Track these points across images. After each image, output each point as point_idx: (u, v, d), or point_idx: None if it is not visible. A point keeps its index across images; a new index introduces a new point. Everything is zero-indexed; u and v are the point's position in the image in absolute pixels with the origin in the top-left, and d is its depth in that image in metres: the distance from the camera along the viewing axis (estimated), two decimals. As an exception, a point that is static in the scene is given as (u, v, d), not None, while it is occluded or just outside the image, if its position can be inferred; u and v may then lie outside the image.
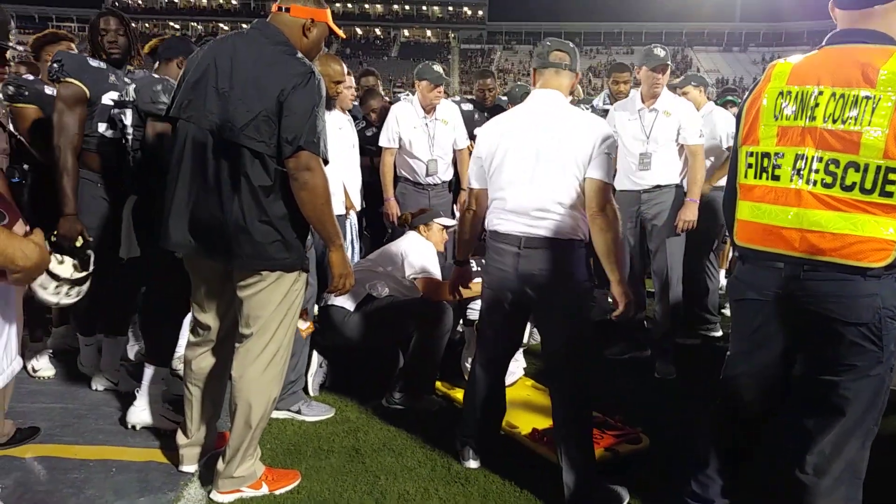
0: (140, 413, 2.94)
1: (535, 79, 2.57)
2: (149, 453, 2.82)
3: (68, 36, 3.58)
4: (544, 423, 2.99)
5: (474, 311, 3.73)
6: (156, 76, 2.98)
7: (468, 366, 3.58)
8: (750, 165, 1.88)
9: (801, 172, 1.74)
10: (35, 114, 3.39)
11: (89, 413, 3.18)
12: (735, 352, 2.02)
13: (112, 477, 2.63)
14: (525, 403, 3.34)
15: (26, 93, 3.38)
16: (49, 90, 3.41)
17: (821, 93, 1.72)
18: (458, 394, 3.42)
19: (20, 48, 3.22)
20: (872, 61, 1.67)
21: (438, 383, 3.51)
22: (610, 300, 5.12)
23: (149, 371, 2.95)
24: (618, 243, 2.41)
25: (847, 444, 1.77)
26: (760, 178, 1.85)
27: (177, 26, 69.38)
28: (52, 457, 2.75)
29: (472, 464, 2.77)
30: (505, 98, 5.37)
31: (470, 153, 4.61)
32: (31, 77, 3.47)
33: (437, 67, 4.44)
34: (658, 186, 3.85)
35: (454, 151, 4.63)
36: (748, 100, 1.92)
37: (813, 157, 1.72)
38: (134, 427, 2.96)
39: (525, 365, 3.73)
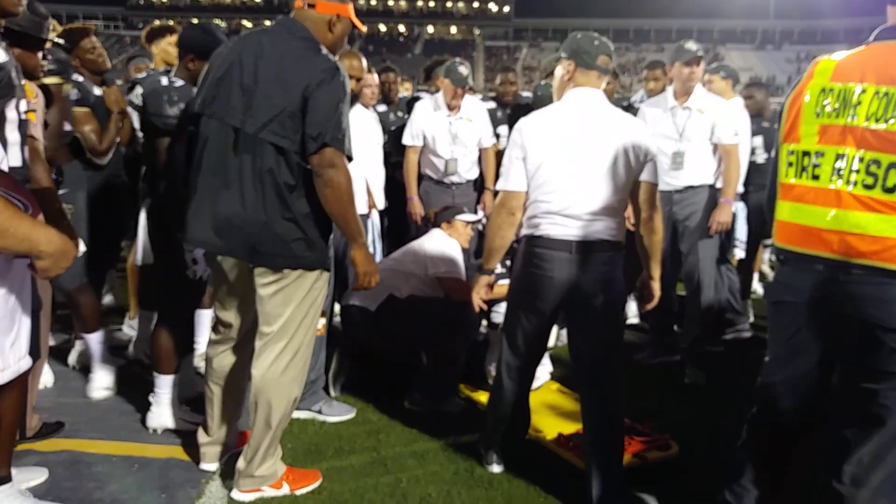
0: (158, 417, 2.93)
1: (574, 75, 2.46)
2: (171, 450, 2.82)
3: (87, 29, 3.56)
4: (570, 427, 2.94)
5: (499, 313, 3.67)
6: (164, 81, 2.84)
7: (491, 369, 3.53)
8: (790, 164, 1.83)
9: (842, 172, 1.69)
10: (86, 117, 3.34)
11: (112, 409, 3.20)
12: (772, 358, 1.95)
13: (135, 473, 2.64)
14: (550, 408, 3.29)
15: (80, 95, 3.33)
16: (97, 91, 3.42)
17: (864, 91, 1.67)
18: (482, 396, 3.37)
19: (61, 41, 3.25)
20: None
21: (462, 385, 3.46)
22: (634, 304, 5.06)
23: (160, 379, 2.92)
24: (661, 243, 2.51)
25: (888, 455, 1.70)
26: (800, 177, 1.80)
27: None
28: (77, 451, 2.77)
29: (496, 468, 2.72)
30: (528, 95, 5.25)
31: (496, 151, 4.61)
32: (80, 78, 3.41)
33: (463, 69, 4.31)
34: (691, 187, 3.75)
35: (479, 150, 4.57)
36: (790, 97, 1.86)
37: (854, 157, 1.67)
38: (155, 430, 2.95)
39: (552, 369, 3.67)
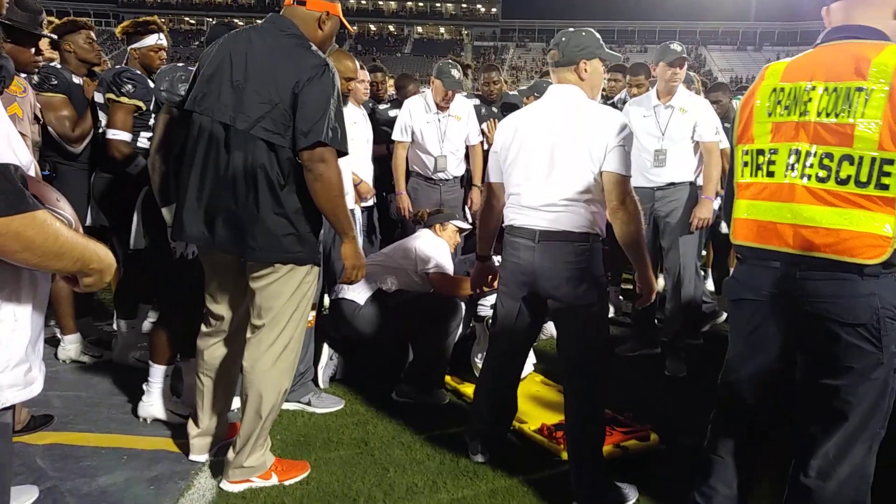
0: (148, 408, 2.95)
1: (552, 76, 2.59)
2: (160, 442, 2.84)
3: (88, 25, 3.58)
4: (553, 418, 2.99)
5: (485, 307, 3.72)
6: (179, 64, 2.93)
7: (478, 361, 3.59)
8: (745, 164, 1.87)
9: (795, 167, 1.73)
10: (62, 103, 3.39)
11: (102, 402, 3.21)
12: (733, 354, 1.98)
13: (124, 465, 2.66)
14: (534, 399, 3.34)
15: (54, 81, 3.38)
16: (76, 79, 3.43)
17: (813, 88, 1.72)
18: (468, 389, 3.42)
19: (54, 36, 3.26)
20: (865, 54, 1.66)
21: (448, 378, 3.51)
22: (621, 297, 5.13)
23: (154, 369, 2.96)
24: (641, 234, 2.40)
25: (852, 449, 1.74)
26: (756, 175, 1.83)
27: (192, 21, 69.78)
28: (66, 444, 2.78)
29: (481, 458, 2.77)
30: (515, 93, 5.33)
31: (482, 149, 4.66)
32: (58, 65, 3.47)
33: (456, 73, 4.35)
34: (672, 184, 3.82)
35: (466, 147, 4.62)
36: (742, 100, 1.92)
37: (807, 152, 1.71)
38: (145, 420, 2.98)
39: (535, 360, 3.72)
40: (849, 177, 1.63)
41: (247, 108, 2.26)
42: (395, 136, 4.47)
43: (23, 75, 2.94)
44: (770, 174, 1.79)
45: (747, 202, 1.86)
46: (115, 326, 4.17)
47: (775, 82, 1.82)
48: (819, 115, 1.69)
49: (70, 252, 1.23)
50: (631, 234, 2.38)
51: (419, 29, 77.10)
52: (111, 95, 3.23)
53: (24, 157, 1.25)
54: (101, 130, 3.28)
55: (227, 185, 2.31)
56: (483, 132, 4.73)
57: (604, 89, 5.58)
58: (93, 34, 3.56)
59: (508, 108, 4.78)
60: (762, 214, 1.81)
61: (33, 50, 2.89)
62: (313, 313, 3.15)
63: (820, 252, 1.68)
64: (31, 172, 1.30)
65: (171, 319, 2.93)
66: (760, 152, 1.82)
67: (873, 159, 1.61)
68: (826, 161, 1.67)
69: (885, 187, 1.61)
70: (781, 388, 1.89)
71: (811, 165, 1.70)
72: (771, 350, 1.85)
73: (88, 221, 3.51)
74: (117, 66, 3.41)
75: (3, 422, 1.31)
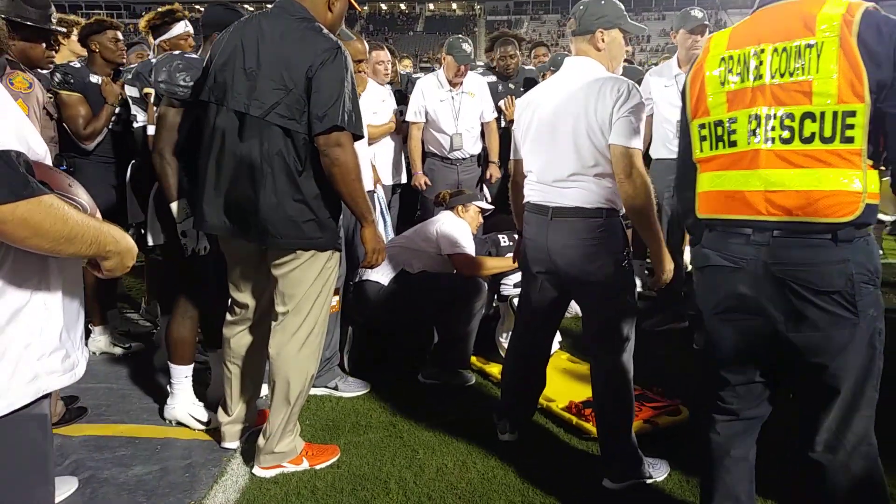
0: (171, 410, 2.93)
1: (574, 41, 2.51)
2: (192, 431, 2.88)
3: (115, 24, 3.58)
4: (581, 396, 2.97)
5: (508, 286, 3.70)
6: (175, 52, 2.83)
7: (502, 341, 3.57)
8: (704, 138, 1.81)
9: (757, 132, 1.68)
10: (80, 102, 3.41)
11: (132, 393, 3.27)
12: (707, 324, 1.89)
13: (158, 454, 2.70)
14: (561, 377, 3.33)
15: (72, 80, 3.39)
16: (94, 78, 3.44)
17: (762, 50, 1.68)
18: (493, 369, 3.42)
19: (63, 30, 3.25)
20: (808, 10, 1.63)
21: (473, 358, 3.51)
22: (646, 271, 5.07)
23: (174, 369, 2.91)
24: (651, 210, 2.31)
25: (853, 417, 1.70)
26: (717, 147, 1.78)
27: (201, 9, 69.84)
28: (100, 435, 2.83)
29: (510, 437, 2.77)
30: (531, 67, 5.25)
31: (498, 126, 4.60)
32: (77, 64, 3.47)
33: (467, 46, 4.33)
34: None
35: (482, 124, 4.57)
36: (689, 76, 1.85)
37: (767, 115, 1.67)
38: (170, 422, 2.96)
39: (561, 339, 3.70)
40: (813, 134, 1.60)
41: (261, 95, 2.25)
42: (409, 116, 4.43)
43: (36, 71, 2.94)
44: (732, 144, 1.74)
45: (711, 174, 1.80)
46: (143, 320, 4.24)
47: (722, 51, 1.77)
48: (773, 76, 1.66)
49: (82, 235, 1.23)
50: (638, 209, 2.30)
51: (430, 6, 76.21)
52: (151, 90, 3.19)
53: (38, 148, 1.26)
54: (140, 124, 3.22)
55: (244, 173, 2.30)
56: (500, 109, 4.67)
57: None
58: (119, 34, 3.55)
59: (529, 83, 4.71)
60: (728, 184, 1.76)
61: (44, 45, 2.89)
62: (337, 298, 3.15)
63: (792, 216, 1.64)
64: (49, 161, 1.30)
65: (186, 318, 2.88)
66: (718, 123, 1.77)
67: (835, 113, 1.57)
68: (787, 122, 1.63)
69: (850, 140, 1.57)
70: (767, 358, 1.82)
71: (773, 128, 1.66)
72: (747, 315, 1.77)
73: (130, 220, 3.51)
74: (152, 59, 3.37)
75: (41, 412, 1.32)
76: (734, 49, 1.75)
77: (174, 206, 2.68)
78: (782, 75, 1.64)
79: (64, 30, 3.27)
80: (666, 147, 3.79)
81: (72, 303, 1.36)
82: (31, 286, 1.26)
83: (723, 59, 1.76)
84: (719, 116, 1.76)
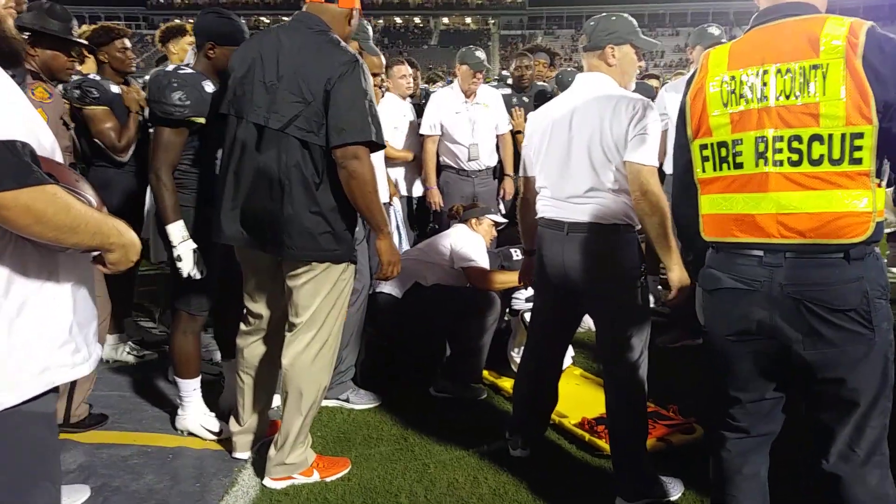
0: (183, 421, 2.93)
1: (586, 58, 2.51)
2: (203, 441, 2.88)
3: (121, 32, 3.60)
4: (594, 412, 2.95)
5: (520, 300, 3.69)
6: (169, 68, 2.75)
7: (514, 355, 3.56)
8: (706, 158, 1.79)
9: (765, 155, 1.67)
10: (107, 115, 3.37)
11: (144, 401, 3.28)
12: (714, 349, 1.86)
13: (169, 463, 2.71)
14: (574, 392, 3.30)
15: (96, 94, 3.35)
16: (115, 88, 3.45)
17: (765, 72, 1.67)
18: (505, 383, 3.40)
19: (85, 42, 3.29)
20: (811, 30, 1.63)
21: (485, 372, 3.49)
22: (660, 287, 5.03)
23: (181, 383, 2.90)
24: (667, 227, 2.29)
25: (867, 427, 1.71)
26: (721, 169, 1.76)
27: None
28: (113, 444, 2.84)
29: (521, 453, 2.75)
30: (544, 84, 5.27)
31: (513, 137, 4.61)
32: (97, 77, 3.45)
33: (480, 53, 4.41)
34: None
35: (497, 136, 4.57)
36: (689, 94, 1.83)
37: (774, 137, 1.66)
38: (181, 432, 2.95)
39: (574, 354, 3.68)
40: (821, 156, 1.59)
41: (280, 108, 2.27)
42: (424, 130, 4.45)
43: (54, 83, 2.98)
44: (738, 166, 1.72)
45: (715, 197, 1.79)
46: (157, 329, 4.25)
47: (723, 70, 1.75)
48: (778, 98, 1.64)
49: (85, 225, 1.24)
50: (655, 227, 2.28)
51: (445, 20, 76.74)
52: None
53: (46, 143, 1.28)
54: None
55: (262, 185, 2.32)
56: (511, 117, 4.69)
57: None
58: (127, 42, 3.57)
59: (540, 97, 4.72)
60: (737, 207, 1.74)
61: (66, 57, 2.93)
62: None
63: (805, 238, 1.64)
64: (58, 158, 1.32)
65: (189, 333, 2.85)
66: (722, 145, 1.75)
67: (843, 135, 1.57)
68: (795, 144, 1.63)
69: (859, 161, 1.57)
70: (778, 375, 1.80)
71: (781, 151, 1.65)
72: (761, 336, 1.74)
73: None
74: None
75: (48, 410, 1.34)
76: (736, 69, 1.73)
77: (170, 228, 2.63)
78: (787, 97, 1.63)
79: (85, 42, 3.31)
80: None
81: (83, 298, 1.38)
82: (40, 280, 1.28)
83: (724, 79, 1.74)
84: (723, 137, 1.75)
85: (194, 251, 2.66)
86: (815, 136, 1.60)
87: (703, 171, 1.81)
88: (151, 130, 3.13)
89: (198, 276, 2.68)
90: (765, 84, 1.67)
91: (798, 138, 1.62)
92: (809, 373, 1.71)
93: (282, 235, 2.32)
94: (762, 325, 1.73)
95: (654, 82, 5.75)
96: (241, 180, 2.36)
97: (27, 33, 2.83)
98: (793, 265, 1.66)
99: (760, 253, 1.70)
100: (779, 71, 1.65)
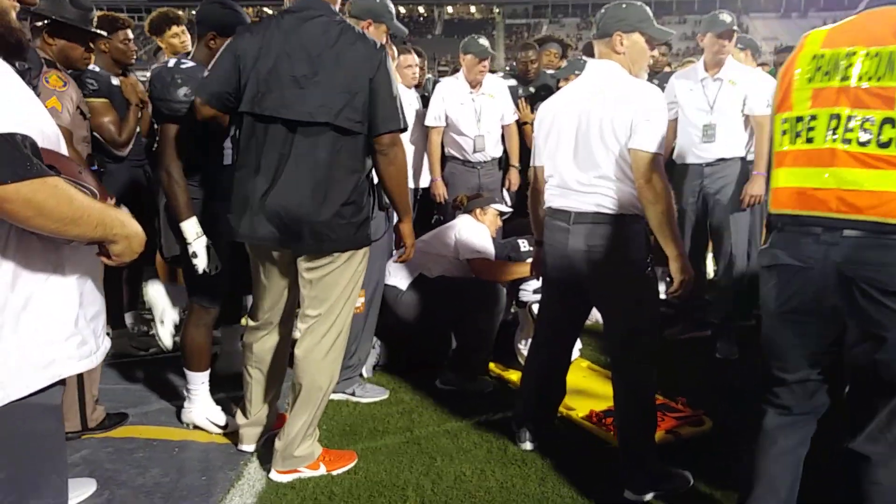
0: (189, 414, 2.92)
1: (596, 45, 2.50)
2: (209, 434, 2.87)
3: (125, 23, 3.56)
4: (601, 404, 2.93)
5: (527, 292, 3.66)
6: (171, 63, 2.70)
7: (521, 347, 3.54)
8: (784, 132, 1.83)
9: (836, 132, 1.70)
10: (107, 108, 3.33)
11: (150, 394, 3.27)
12: (770, 325, 1.89)
13: (175, 456, 2.70)
14: (582, 385, 3.28)
15: (95, 86, 3.30)
16: (115, 80, 3.41)
17: (854, 53, 1.69)
18: (512, 375, 3.38)
19: (104, 33, 3.25)
20: None
21: (492, 364, 3.47)
22: (668, 278, 4.99)
23: (190, 375, 2.88)
24: (671, 216, 2.28)
25: None
26: (794, 142, 1.80)
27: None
28: (118, 437, 2.83)
29: (529, 445, 2.73)
30: (551, 72, 5.20)
31: (518, 128, 4.57)
32: (97, 68, 3.38)
33: (483, 41, 4.36)
34: (722, 159, 3.68)
35: (502, 127, 4.53)
36: (781, 69, 1.88)
37: (848, 116, 1.68)
38: (187, 425, 2.94)
39: (581, 346, 3.65)
40: (890, 140, 1.61)
41: (326, 101, 2.25)
42: (429, 121, 4.41)
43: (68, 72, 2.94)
44: (809, 140, 1.76)
45: (786, 170, 1.83)
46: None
47: (816, 49, 1.78)
48: (860, 79, 1.67)
49: (87, 217, 1.24)
50: (658, 215, 2.26)
51: (449, 9, 76.32)
52: None
53: (51, 134, 1.27)
54: None
55: (300, 181, 2.29)
56: (517, 108, 4.65)
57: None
58: (130, 33, 3.53)
59: (542, 88, 4.68)
60: (802, 181, 1.78)
61: (83, 47, 2.89)
62: (362, 299, 3.11)
63: (863, 214, 1.65)
64: (62, 149, 1.31)
65: (200, 325, 2.83)
66: (799, 119, 1.79)
67: None
68: (867, 125, 1.65)
69: None
70: (827, 357, 1.83)
71: (852, 129, 1.67)
72: (812, 316, 1.78)
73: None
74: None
75: (53, 403, 1.34)
76: (828, 48, 1.76)
77: (185, 225, 2.62)
78: (870, 79, 1.65)
79: (105, 33, 3.25)
80: (692, 152, 3.74)
81: (89, 291, 1.38)
82: (45, 273, 1.28)
83: (814, 56, 1.77)
84: (801, 112, 1.78)
85: (208, 247, 2.64)
86: (888, 119, 1.62)
87: (780, 144, 1.85)
88: (157, 127, 3.10)
89: (213, 272, 2.67)
90: (850, 65, 1.69)
91: (871, 120, 1.64)
92: (857, 355, 1.73)
93: (310, 229, 2.30)
94: (813, 304, 1.75)
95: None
96: (272, 178, 2.31)
97: (44, 21, 2.79)
98: (849, 244, 1.67)
99: (819, 230, 1.73)
100: (867, 54, 1.67)
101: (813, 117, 1.75)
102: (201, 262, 2.64)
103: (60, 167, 1.24)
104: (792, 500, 1.91)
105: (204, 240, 2.63)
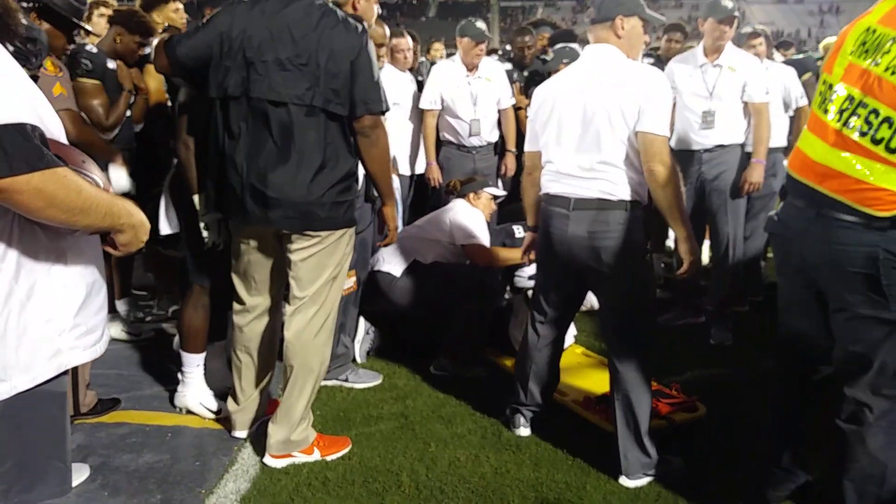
0: (182, 398, 2.90)
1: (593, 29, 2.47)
2: (202, 419, 2.86)
3: (143, 19, 3.49)
4: (596, 390, 2.93)
5: (522, 278, 3.66)
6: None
7: (516, 333, 3.53)
8: (820, 94, 1.86)
9: (844, 114, 1.72)
10: (98, 90, 3.26)
11: (143, 379, 3.25)
12: (779, 294, 2.06)
13: (168, 442, 2.69)
14: (576, 371, 3.27)
15: (90, 66, 3.22)
16: (111, 64, 3.35)
17: (895, 40, 1.65)
18: (507, 361, 3.38)
19: (90, 28, 3.19)
20: None
21: (486, 351, 3.47)
22: (662, 265, 5.00)
23: (186, 357, 2.87)
24: (680, 198, 2.30)
25: (882, 389, 1.76)
26: (819, 108, 1.84)
27: (216, -6, 69.31)
28: (111, 422, 2.81)
29: (523, 431, 2.74)
30: (546, 57, 5.15)
31: (515, 113, 4.53)
32: (94, 49, 3.31)
33: (480, 24, 4.32)
34: (721, 146, 3.66)
35: (498, 111, 4.49)
36: (843, 29, 1.89)
37: (860, 102, 1.69)
38: (180, 410, 2.92)
39: (576, 332, 3.65)
40: (882, 139, 1.63)
41: (311, 83, 2.25)
42: (424, 104, 4.36)
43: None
44: (825, 111, 1.79)
45: (805, 133, 1.89)
46: (157, 309, 4.17)
47: (873, 21, 1.74)
48: (886, 70, 1.64)
49: (96, 207, 1.25)
50: (667, 197, 2.28)
51: (444, -9, 75.66)
52: None
53: (52, 125, 1.28)
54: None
55: (288, 163, 2.29)
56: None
57: (656, 49, 5.37)
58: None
59: (537, 74, 4.63)
60: (807, 147, 1.84)
61: (66, 38, 2.84)
62: (352, 280, 3.09)
63: (840, 195, 1.71)
64: (63, 139, 1.33)
65: (199, 306, 2.82)
66: (830, 86, 1.81)
67: None
68: (871, 117, 1.66)
69: None
70: (822, 330, 1.89)
71: (858, 116, 1.69)
72: (799, 288, 1.91)
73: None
74: None
75: (61, 390, 1.36)
76: (882, 25, 1.72)
77: (197, 197, 2.62)
78: (893, 73, 1.63)
79: (90, 28, 3.19)
80: (690, 138, 3.71)
81: (92, 280, 1.39)
82: (49, 263, 1.29)
83: (868, 28, 1.75)
84: (832, 81, 1.80)
85: (219, 220, 2.62)
86: (888, 118, 1.62)
87: (814, 103, 1.89)
88: (170, 104, 3.04)
89: (221, 246, 2.66)
90: (888, 51, 1.66)
91: (876, 112, 1.65)
92: (835, 318, 1.81)
93: (300, 210, 2.30)
94: (798, 271, 1.86)
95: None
96: (254, 160, 2.30)
97: (34, 2, 2.73)
98: (823, 220, 1.74)
99: (801, 202, 1.82)
100: None
101: (838, 89, 1.76)
102: (212, 235, 2.64)
103: (65, 156, 1.25)
104: None
105: (216, 213, 2.59)
